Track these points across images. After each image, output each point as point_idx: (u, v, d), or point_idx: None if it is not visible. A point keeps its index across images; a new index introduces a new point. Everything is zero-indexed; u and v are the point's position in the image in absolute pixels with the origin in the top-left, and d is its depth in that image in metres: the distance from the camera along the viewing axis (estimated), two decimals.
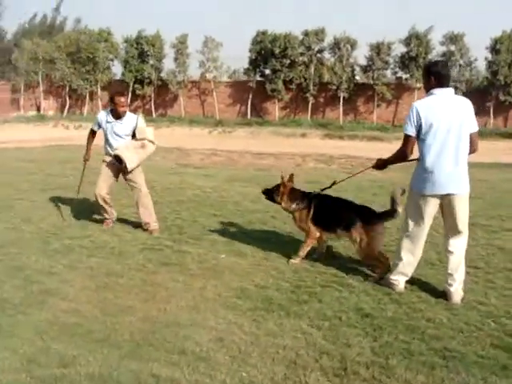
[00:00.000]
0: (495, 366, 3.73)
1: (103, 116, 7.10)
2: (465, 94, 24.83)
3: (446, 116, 4.70)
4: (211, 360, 3.79)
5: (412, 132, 4.79)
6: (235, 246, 6.52)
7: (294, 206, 5.97)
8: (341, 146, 19.83)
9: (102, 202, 7.11)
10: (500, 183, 11.61)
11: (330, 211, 5.81)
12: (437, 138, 4.72)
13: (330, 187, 5.88)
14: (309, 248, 5.93)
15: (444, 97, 4.78)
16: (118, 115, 6.99)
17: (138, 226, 7.24)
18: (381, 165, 5.33)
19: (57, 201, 8.80)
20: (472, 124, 4.83)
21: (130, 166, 6.86)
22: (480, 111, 25.62)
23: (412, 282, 5.27)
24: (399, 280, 5.14)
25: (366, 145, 20.30)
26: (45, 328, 4.25)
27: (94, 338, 4.10)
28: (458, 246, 5.00)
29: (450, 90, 4.82)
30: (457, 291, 4.91)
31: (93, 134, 7.42)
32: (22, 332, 4.19)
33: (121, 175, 7.21)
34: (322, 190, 5.97)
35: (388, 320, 4.47)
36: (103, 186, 7.11)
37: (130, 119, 7.07)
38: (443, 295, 4.96)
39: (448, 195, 4.83)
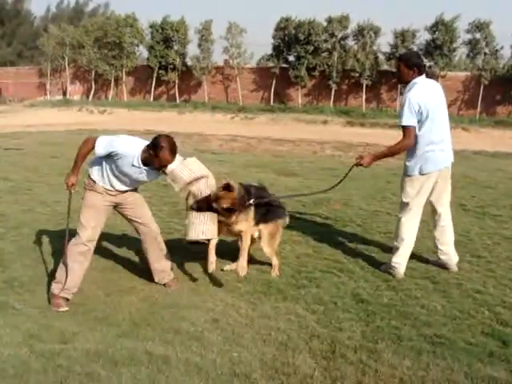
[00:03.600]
0: (482, 353, 3.79)
1: (129, 154, 4.48)
2: (490, 83, 24.55)
3: (434, 100, 5.11)
4: (204, 340, 3.93)
5: (414, 122, 5.01)
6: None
7: None
8: (362, 133, 19.75)
9: (88, 258, 4.71)
10: None
11: None
12: (434, 121, 5.06)
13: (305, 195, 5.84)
14: None
15: (426, 83, 5.18)
16: (149, 165, 4.56)
17: None
18: (372, 160, 5.30)
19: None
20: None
21: (214, 235, 4.85)
22: (505, 100, 25.30)
23: (411, 268, 5.34)
24: (402, 263, 5.24)
25: (386, 132, 20.18)
26: (49, 306, 4.45)
27: (95, 316, 4.28)
28: (449, 218, 5.44)
29: (424, 77, 5.19)
30: (455, 257, 5.40)
31: (90, 148, 4.60)
32: (27, 309, 4.38)
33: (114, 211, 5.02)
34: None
35: (383, 306, 4.56)
36: (96, 228, 4.72)
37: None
38: (441, 281, 5.06)
39: (445, 168, 5.25)
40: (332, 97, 28.09)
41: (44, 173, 10.20)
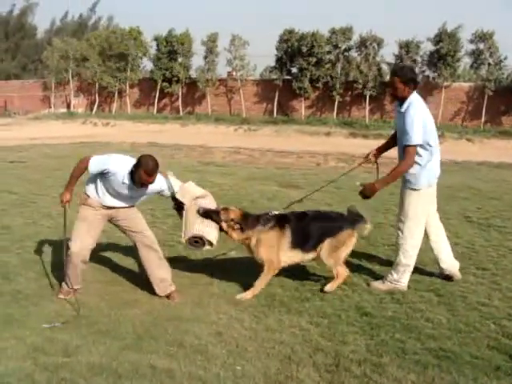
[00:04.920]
0: (488, 367, 3.77)
1: (119, 172, 4.71)
2: (494, 93, 24.57)
3: (428, 112, 5.11)
4: (208, 353, 3.92)
5: (420, 140, 4.95)
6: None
7: None
8: (365, 145, 19.71)
9: (78, 263, 4.90)
10: None
11: None
12: (435, 135, 5.10)
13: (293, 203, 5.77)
14: None
15: (419, 98, 5.11)
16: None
17: (150, 223, 7.35)
18: (376, 190, 5.12)
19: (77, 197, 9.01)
20: None
21: (214, 239, 4.92)
22: (509, 110, 25.30)
23: (416, 281, 5.32)
24: (406, 277, 5.22)
25: None
26: (53, 319, 4.44)
27: (98, 329, 4.27)
28: (441, 226, 5.52)
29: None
30: (456, 264, 5.48)
31: (85, 168, 4.83)
32: (31, 322, 4.38)
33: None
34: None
35: (387, 319, 4.54)
36: (87, 239, 4.90)
37: (154, 184, 4.78)
38: (446, 294, 5.05)
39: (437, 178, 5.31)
40: (335, 108, 28.15)
41: (48, 185, 10.22)
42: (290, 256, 5.11)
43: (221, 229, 4.99)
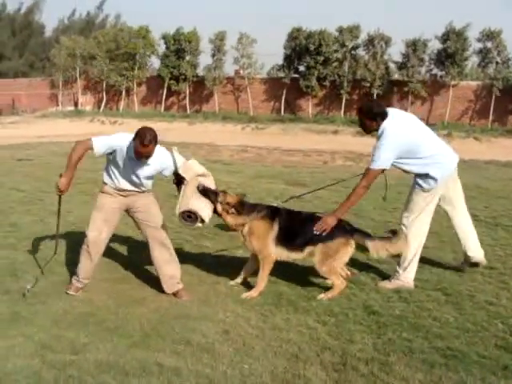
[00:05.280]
0: (496, 367, 3.76)
1: (122, 146, 4.76)
2: (501, 92, 24.43)
3: (416, 128, 5.29)
4: (215, 351, 3.92)
5: (384, 166, 5.06)
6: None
7: None
8: (372, 143, 19.65)
9: (95, 253, 4.94)
10: None
11: None
12: (426, 145, 5.23)
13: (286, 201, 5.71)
14: None
15: (394, 120, 5.13)
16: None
17: None
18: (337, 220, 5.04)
19: (84, 195, 9.05)
20: None
21: (207, 217, 4.95)
22: None
23: (423, 280, 5.31)
24: (412, 273, 5.25)
25: None
26: (60, 317, 4.47)
27: (106, 327, 4.29)
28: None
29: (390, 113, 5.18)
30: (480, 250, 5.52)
31: (84, 149, 4.82)
32: (39, 320, 4.40)
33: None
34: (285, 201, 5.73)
35: (394, 318, 4.53)
36: (103, 227, 4.93)
37: (157, 159, 4.82)
38: (454, 293, 5.04)
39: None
40: (343, 107, 28.07)
41: (55, 183, 10.23)
42: (276, 251, 5.06)
43: (215, 210, 5.01)
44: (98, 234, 4.92)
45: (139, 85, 32.94)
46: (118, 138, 4.83)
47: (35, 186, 9.97)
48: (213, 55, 30.71)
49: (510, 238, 6.99)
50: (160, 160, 4.85)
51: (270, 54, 34.52)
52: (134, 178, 4.89)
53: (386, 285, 5.26)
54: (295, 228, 5.08)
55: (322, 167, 13.76)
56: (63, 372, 3.60)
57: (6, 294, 4.90)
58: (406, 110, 26.64)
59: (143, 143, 4.55)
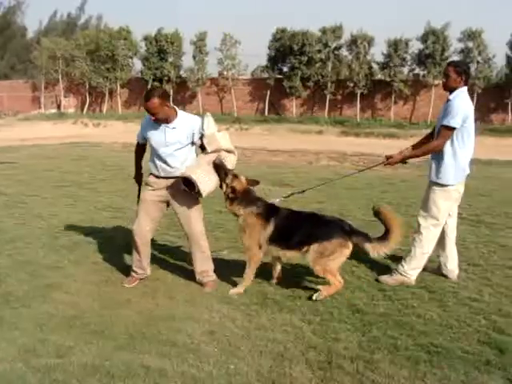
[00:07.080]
0: (479, 362, 3.79)
1: (146, 116, 5.02)
2: (483, 91, 24.69)
3: (472, 110, 5.16)
4: (201, 352, 3.92)
5: (458, 124, 5.01)
6: (238, 242, 6.61)
7: None
8: (356, 143, 19.85)
9: (139, 244, 5.19)
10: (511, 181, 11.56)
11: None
12: (472, 129, 5.16)
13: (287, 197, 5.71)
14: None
15: (467, 94, 5.17)
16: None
17: None
18: (399, 161, 5.34)
19: (68, 197, 9.00)
20: None
21: (204, 192, 4.89)
22: (498, 108, 25.46)
23: None
24: (416, 271, 5.32)
25: (381, 142, 20.29)
26: (45, 320, 4.42)
27: (91, 330, 4.26)
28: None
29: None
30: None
31: (141, 146, 5.36)
32: (23, 324, 4.35)
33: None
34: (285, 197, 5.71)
35: (379, 316, 4.55)
36: (145, 219, 5.18)
37: (185, 122, 4.98)
38: (437, 290, 5.09)
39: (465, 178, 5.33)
40: (327, 107, 28.24)
41: (38, 186, 10.18)
42: (269, 249, 5.05)
43: (221, 186, 5.06)
44: (139, 225, 5.19)
45: (122, 86, 32.80)
46: (145, 118, 5.13)
47: (18, 189, 9.88)
48: (194, 56, 30.68)
49: (493, 235, 7.06)
50: (188, 124, 4.99)
51: (254, 55, 34.49)
52: (166, 149, 4.99)
53: (388, 279, 5.33)
54: (292, 228, 5.06)
55: (306, 167, 13.79)
56: (48, 376, 3.58)
57: None
58: (389, 109, 27.05)
59: (146, 98, 4.78)
